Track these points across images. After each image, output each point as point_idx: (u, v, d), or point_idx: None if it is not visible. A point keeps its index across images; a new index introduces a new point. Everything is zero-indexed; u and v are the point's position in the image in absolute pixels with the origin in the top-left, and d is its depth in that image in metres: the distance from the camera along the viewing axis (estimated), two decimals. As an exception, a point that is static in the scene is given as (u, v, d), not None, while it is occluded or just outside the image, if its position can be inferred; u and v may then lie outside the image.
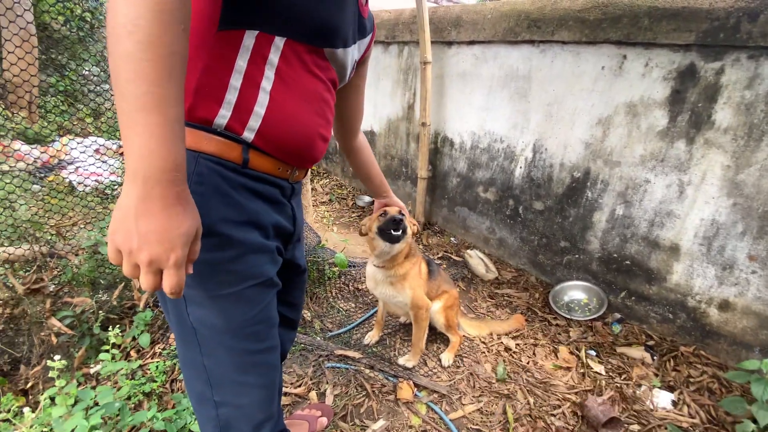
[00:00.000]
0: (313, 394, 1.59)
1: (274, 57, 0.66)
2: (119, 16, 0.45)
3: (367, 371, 1.71)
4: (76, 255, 1.57)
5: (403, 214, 1.42)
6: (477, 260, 2.58)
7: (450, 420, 1.52)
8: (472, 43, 2.50)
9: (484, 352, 1.89)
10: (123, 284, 1.68)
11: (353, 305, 2.17)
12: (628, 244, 2.06)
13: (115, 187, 2.90)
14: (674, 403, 1.64)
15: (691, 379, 1.75)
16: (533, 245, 2.51)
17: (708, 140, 1.73)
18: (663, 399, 1.65)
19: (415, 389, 1.64)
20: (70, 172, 3.04)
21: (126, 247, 0.49)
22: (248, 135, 0.67)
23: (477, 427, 1.51)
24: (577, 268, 2.31)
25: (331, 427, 1.46)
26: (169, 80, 0.47)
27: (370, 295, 2.26)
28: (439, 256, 2.77)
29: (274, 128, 0.68)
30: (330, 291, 2.22)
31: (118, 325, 1.56)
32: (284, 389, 1.60)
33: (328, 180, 4.15)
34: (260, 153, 0.69)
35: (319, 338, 1.89)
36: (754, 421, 1.35)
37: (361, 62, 0.95)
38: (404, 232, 1.47)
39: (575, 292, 2.27)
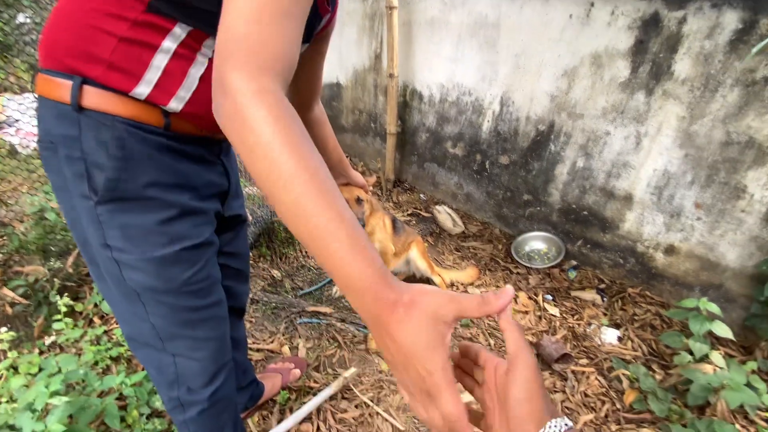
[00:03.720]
0: (285, 349, 1.63)
1: (207, 52, 0.62)
2: (261, 173, 0.42)
3: (339, 324, 1.76)
4: (21, 222, 1.47)
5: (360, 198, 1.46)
6: (445, 215, 2.63)
7: (417, 365, 1.61)
8: (439, -14, 2.37)
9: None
10: (77, 251, 1.60)
11: (323, 262, 2.19)
12: (586, 195, 2.15)
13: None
14: (620, 339, 1.80)
15: (636, 317, 1.92)
16: (498, 199, 2.57)
17: (666, 91, 1.76)
18: (610, 335, 1.81)
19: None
20: (11, 135, 2.77)
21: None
22: (170, 108, 0.64)
23: (442, 370, 1.62)
24: (539, 219, 2.40)
25: (305, 377, 1.52)
26: (342, 217, 0.41)
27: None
28: (409, 212, 2.80)
29: (197, 110, 0.66)
30: (300, 250, 2.21)
31: (77, 294, 1.51)
32: (257, 345, 1.63)
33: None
34: (180, 118, 0.66)
35: (290, 296, 1.91)
36: (690, 353, 1.51)
37: (320, 38, 0.86)
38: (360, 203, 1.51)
39: (536, 243, 2.38)
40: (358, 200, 1.46)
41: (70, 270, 1.57)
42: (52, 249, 1.54)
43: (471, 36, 2.33)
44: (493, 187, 2.57)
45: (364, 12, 2.89)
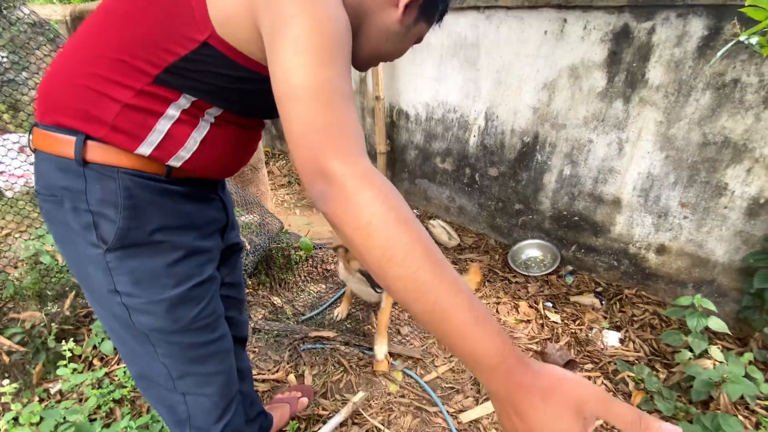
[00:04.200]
0: (291, 377, 1.62)
1: (209, 118, 0.65)
2: (375, 252, 0.42)
3: (343, 348, 1.75)
4: (16, 267, 1.45)
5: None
6: (440, 229, 2.66)
7: (425, 382, 1.61)
8: (418, 10, 2.46)
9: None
10: (74, 293, 1.58)
11: (323, 287, 2.19)
12: (575, 201, 2.20)
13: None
14: (621, 341, 1.83)
15: (635, 318, 1.95)
16: (491, 210, 2.61)
17: (642, 98, 1.84)
18: (611, 338, 1.83)
19: (391, 359, 1.71)
20: (-6, 177, 2.74)
21: None
22: (169, 164, 0.67)
23: (450, 385, 1.61)
24: (532, 227, 2.45)
25: (313, 404, 1.50)
26: (459, 288, 0.41)
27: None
28: (403, 228, 2.82)
29: (197, 166, 0.69)
30: (299, 275, 2.21)
31: (74, 336, 1.49)
32: (262, 376, 1.61)
33: (285, 161, 4.03)
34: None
35: (291, 323, 1.90)
36: (690, 349, 1.54)
37: None
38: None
39: (531, 250, 2.42)
40: None
41: (68, 313, 1.55)
42: (48, 293, 1.51)
43: (452, 56, 2.42)
44: (484, 198, 2.62)
45: (347, 37, 2.97)
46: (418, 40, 0.76)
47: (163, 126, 0.62)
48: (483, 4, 2.15)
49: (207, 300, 0.77)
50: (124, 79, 0.58)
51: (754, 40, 1.18)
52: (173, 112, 0.62)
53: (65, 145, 0.60)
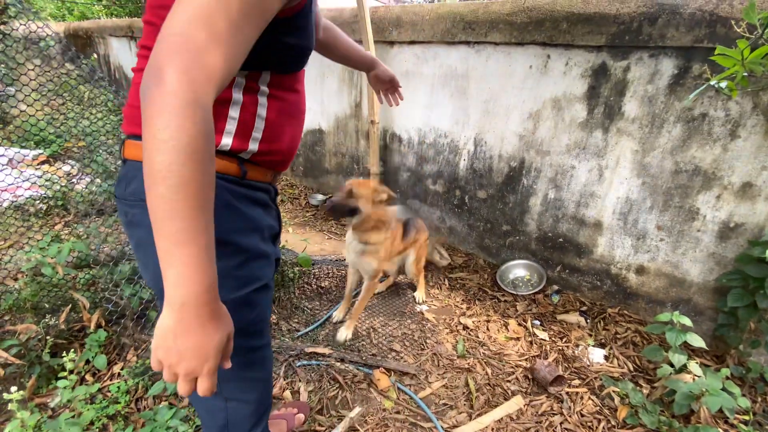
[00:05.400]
0: (287, 394, 1.63)
1: (264, 88, 0.72)
2: (154, 164, 0.47)
3: (338, 364, 1.78)
4: (16, 279, 1.45)
5: (333, 200, 1.64)
6: (431, 248, 2.73)
7: (420, 398, 1.64)
8: (412, 43, 2.62)
9: (446, 333, 2.04)
10: (70, 306, 1.58)
11: (318, 303, 2.21)
12: (560, 223, 2.32)
13: (36, 201, 2.65)
14: (606, 358, 1.90)
15: (618, 336, 2.03)
16: (479, 231, 2.71)
17: (620, 129, 1.99)
18: (597, 355, 1.90)
19: (389, 376, 1.74)
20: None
21: (167, 361, 0.54)
22: (246, 155, 0.74)
23: (444, 401, 1.65)
24: (519, 248, 2.55)
25: (309, 421, 1.51)
26: (201, 212, 0.50)
27: (334, 291, 2.31)
28: (395, 248, 2.89)
29: (269, 146, 0.76)
30: (293, 292, 2.24)
31: (70, 350, 1.47)
32: (257, 392, 1.62)
33: (276, 182, 4.08)
34: (253, 164, 0.76)
35: (287, 339, 1.92)
36: (671, 364, 1.62)
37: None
38: (349, 213, 1.69)
39: (518, 270, 2.50)
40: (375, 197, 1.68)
41: (63, 327, 1.54)
42: (45, 306, 1.51)
43: (443, 86, 2.56)
44: (473, 219, 2.72)
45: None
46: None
47: (234, 113, 0.68)
48: (473, 40, 2.32)
49: (263, 305, 0.81)
50: None
51: (723, 84, 1.33)
52: (237, 95, 0.68)
53: None
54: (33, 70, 2.27)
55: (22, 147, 3.36)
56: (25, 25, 2.16)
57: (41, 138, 3.50)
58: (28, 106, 2.03)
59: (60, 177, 2.70)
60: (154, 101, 0.46)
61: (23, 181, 2.73)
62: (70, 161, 3.31)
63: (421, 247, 2.24)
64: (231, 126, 0.69)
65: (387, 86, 1.34)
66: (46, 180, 2.61)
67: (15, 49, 2.14)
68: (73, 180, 2.80)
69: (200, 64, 0.48)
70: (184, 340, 0.53)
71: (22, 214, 2.57)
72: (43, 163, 3.28)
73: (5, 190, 2.72)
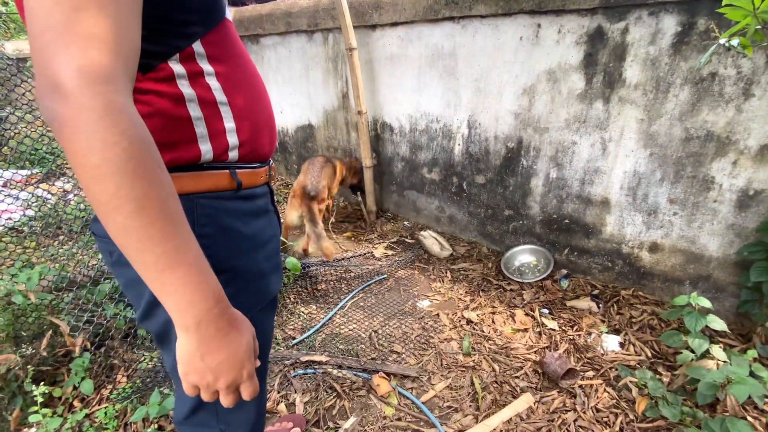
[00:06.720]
0: (282, 407, 1.55)
1: (207, 66, 0.61)
2: (99, 196, 0.40)
3: (335, 372, 1.69)
4: (-13, 310, 1.39)
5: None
6: (431, 240, 2.62)
7: (422, 402, 1.54)
8: (395, 24, 2.47)
9: (449, 330, 1.93)
10: (50, 332, 1.52)
11: (314, 307, 2.13)
12: (564, 203, 2.18)
13: (30, 223, 2.62)
14: (621, 345, 1.78)
15: (634, 320, 1.90)
16: (481, 218, 2.58)
17: (622, 97, 1.83)
18: (611, 343, 1.78)
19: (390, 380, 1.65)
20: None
21: (203, 383, 0.52)
22: (233, 155, 0.67)
23: (448, 403, 1.55)
24: (523, 233, 2.41)
25: (305, 435, 1.43)
26: (175, 226, 0.44)
27: (331, 294, 2.23)
28: (394, 241, 2.78)
29: (248, 125, 0.68)
30: (288, 297, 2.16)
31: (54, 377, 1.42)
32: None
33: (271, 180, 4.00)
34: (244, 168, 0.70)
35: (282, 348, 1.84)
36: (692, 350, 1.49)
37: None
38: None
39: (524, 256, 2.38)
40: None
41: (44, 353, 1.49)
42: (23, 334, 1.45)
43: (430, 67, 2.42)
44: (473, 206, 2.59)
45: (327, 55, 2.98)
46: None
47: (195, 111, 0.60)
48: (457, 15, 2.16)
49: (265, 323, 0.79)
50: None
51: (735, 41, 1.17)
52: (187, 90, 0.58)
53: None
54: (25, 92, 2.22)
55: (18, 168, 3.34)
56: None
57: (37, 157, 3.47)
58: (22, 128, 1.99)
59: (53, 194, 2.65)
60: (64, 122, 0.38)
61: (18, 203, 2.70)
62: (63, 178, 3.28)
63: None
64: (201, 128, 0.61)
65: None
66: (37, 197, 2.57)
67: (9, 72, 2.11)
68: (69, 196, 2.76)
69: (83, 42, 0.38)
70: (213, 357, 0.50)
71: (20, 238, 2.54)
72: (40, 181, 3.26)
73: (5, 211, 2.70)
